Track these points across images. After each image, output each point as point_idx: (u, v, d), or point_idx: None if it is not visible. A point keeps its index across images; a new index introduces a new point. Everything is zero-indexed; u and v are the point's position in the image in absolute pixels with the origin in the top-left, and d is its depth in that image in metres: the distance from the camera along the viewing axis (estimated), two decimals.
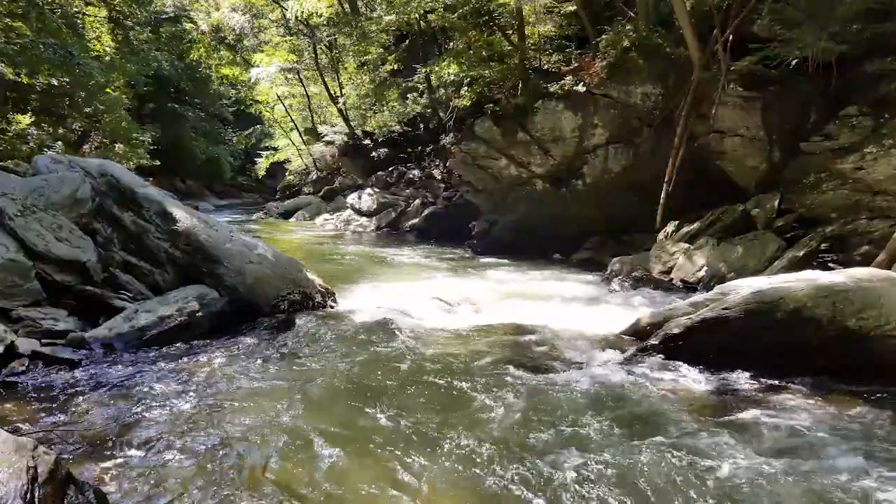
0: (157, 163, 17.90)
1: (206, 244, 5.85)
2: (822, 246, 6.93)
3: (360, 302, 6.61)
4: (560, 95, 9.75)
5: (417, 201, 16.12)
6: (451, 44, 13.09)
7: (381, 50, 17.56)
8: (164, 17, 25.35)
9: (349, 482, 2.89)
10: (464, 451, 3.19)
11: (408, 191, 17.07)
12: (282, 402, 3.78)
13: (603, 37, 9.61)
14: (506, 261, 10.16)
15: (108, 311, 5.12)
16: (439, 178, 16.28)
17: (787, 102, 7.82)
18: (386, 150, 18.11)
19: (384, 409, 3.68)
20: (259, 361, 4.57)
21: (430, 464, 3.07)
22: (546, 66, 10.73)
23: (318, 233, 16.29)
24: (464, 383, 4.06)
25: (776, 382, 4.14)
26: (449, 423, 3.50)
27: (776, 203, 7.76)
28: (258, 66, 21.23)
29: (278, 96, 23.93)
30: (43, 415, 3.53)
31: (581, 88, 9.52)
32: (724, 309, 4.46)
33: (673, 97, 8.86)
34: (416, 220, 15.31)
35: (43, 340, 4.54)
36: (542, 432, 3.40)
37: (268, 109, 26.68)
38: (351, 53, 18.81)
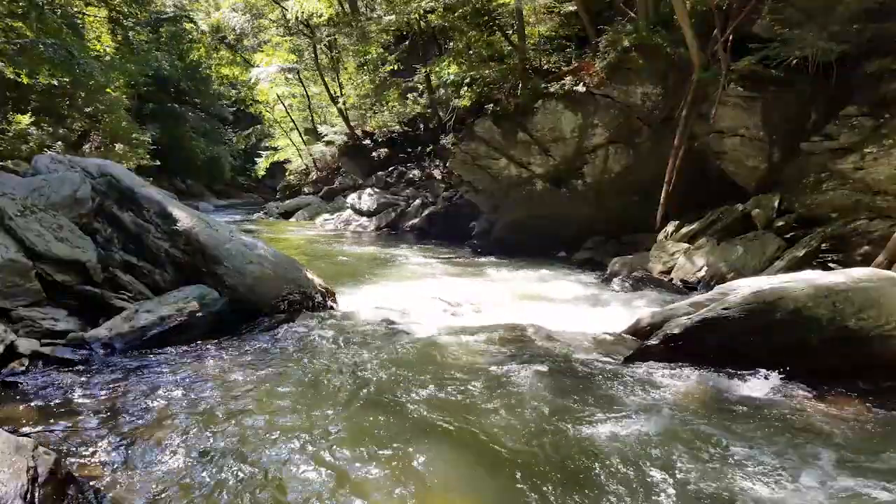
0: (158, 163, 17.94)
1: (207, 244, 5.85)
2: (822, 246, 6.93)
3: (360, 302, 6.61)
4: (560, 95, 9.75)
5: (417, 201, 16.13)
6: (451, 44, 13.10)
7: (382, 50, 17.58)
8: (164, 17, 25.41)
9: (351, 483, 2.89)
10: (465, 451, 3.19)
11: (408, 191, 17.09)
12: (282, 403, 3.78)
13: (603, 37, 9.61)
14: (506, 261, 10.15)
15: (108, 311, 5.11)
16: (439, 178, 16.30)
17: (787, 102, 7.82)
18: (386, 150, 18.16)
19: (384, 410, 3.67)
20: (259, 362, 4.56)
21: (432, 464, 3.06)
22: (546, 66, 10.74)
23: (318, 233, 16.28)
24: (464, 384, 4.06)
25: (776, 382, 4.13)
26: (449, 424, 3.50)
27: (776, 203, 7.76)
28: (258, 66, 21.28)
29: (278, 96, 23.97)
30: (43, 415, 3.52)
31: (581, 88, 9.53)
32: (724, 309, 4.46)
33: (673, 97, 8.87)
34: (416, 220, 15.32)
35: (43, 340, 4.53)
36: (542, 433, 3.40)
37: (268, 109, 26.74)
38: (351, 53, 18.87)
